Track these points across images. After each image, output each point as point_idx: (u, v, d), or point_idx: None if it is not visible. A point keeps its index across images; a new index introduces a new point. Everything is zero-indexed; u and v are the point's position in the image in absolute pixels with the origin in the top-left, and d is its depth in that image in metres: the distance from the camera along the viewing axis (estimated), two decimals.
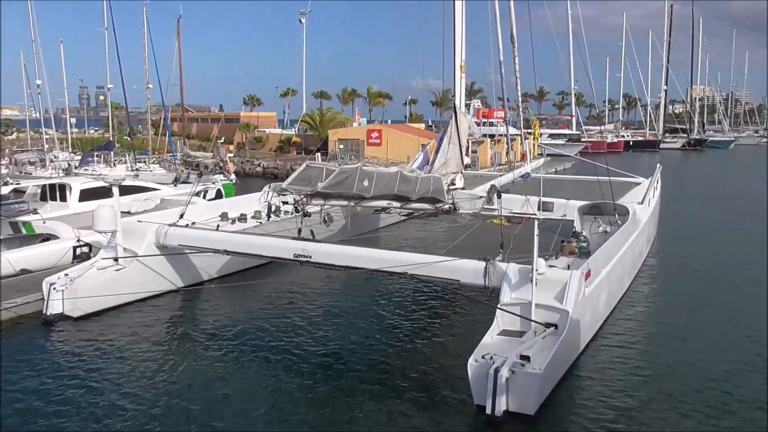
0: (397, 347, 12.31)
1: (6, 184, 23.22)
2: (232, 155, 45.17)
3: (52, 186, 21.74)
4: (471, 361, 9.67)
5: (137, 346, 12.27)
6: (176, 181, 28.20)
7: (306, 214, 13.88)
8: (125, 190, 22.70)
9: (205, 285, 16.21)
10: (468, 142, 34.01)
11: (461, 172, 20.49)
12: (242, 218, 17.67)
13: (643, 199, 18.16)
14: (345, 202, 14.62)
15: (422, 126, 68.63)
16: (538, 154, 61.41)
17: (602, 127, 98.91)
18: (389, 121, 78.69)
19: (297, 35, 71.33)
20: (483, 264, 11.49)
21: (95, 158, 39.30)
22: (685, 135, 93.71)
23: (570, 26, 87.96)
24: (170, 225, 15.06)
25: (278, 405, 9.88)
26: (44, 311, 13.61)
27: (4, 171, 36.39)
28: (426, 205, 18.03)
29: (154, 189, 24.05)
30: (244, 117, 67.44)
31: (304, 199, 13.15)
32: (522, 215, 19.13)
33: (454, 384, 10.33)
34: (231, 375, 11.01)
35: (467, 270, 11.63)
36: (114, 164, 39.60)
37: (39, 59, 37.18)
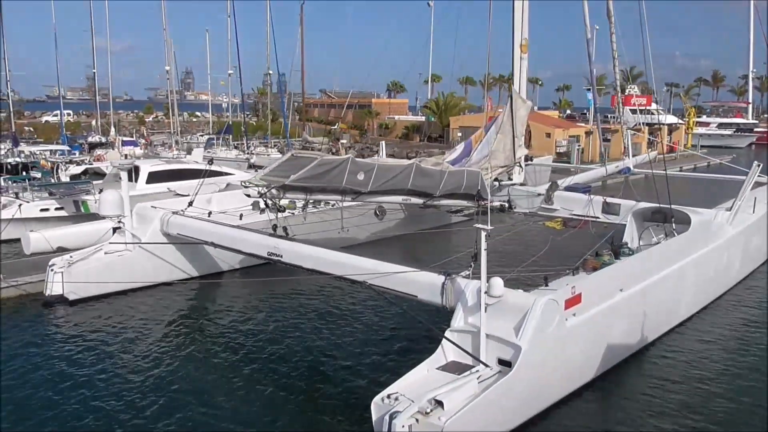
0: (354, 361, 10.79)
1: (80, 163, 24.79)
2: (344, 141, 45.23)
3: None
4: (376, 399, 7.96)
5: (122, 335, 12.07)
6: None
7: (280, 209, 12.69)
8: (194, 174, 23.25)
9: (218, 277, 15.73)
10: (528, 130, 30.33)
11: (520, 165, 18.04)
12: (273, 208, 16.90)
13: (732, 204, 14.43)
14: (338, 197, 13.14)
15: (556, 113, 63.83)
16: (692, 145, 54.82)
17: None
18: (536, 108, 74.24)
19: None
20: (441, 279, 9.54)
21: (215, 141, 41.52)
22: None
23: None
24: (174, 213, 14.69)
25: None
26: (44, 292, 13.90)
27: (141, 151, 39.73)
28: (462, 202, 15.96)
29: (228, 173, 24.25)
30: (376, 103, 67.53)
31: (274, 192, 11.93)
32: (581, 217, 16.45)
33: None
34: (201, 365, 10.79)
35: (424, 284, 9.72)
36: (234, 147, 41.68)
37: (169, 47, 39.64)
